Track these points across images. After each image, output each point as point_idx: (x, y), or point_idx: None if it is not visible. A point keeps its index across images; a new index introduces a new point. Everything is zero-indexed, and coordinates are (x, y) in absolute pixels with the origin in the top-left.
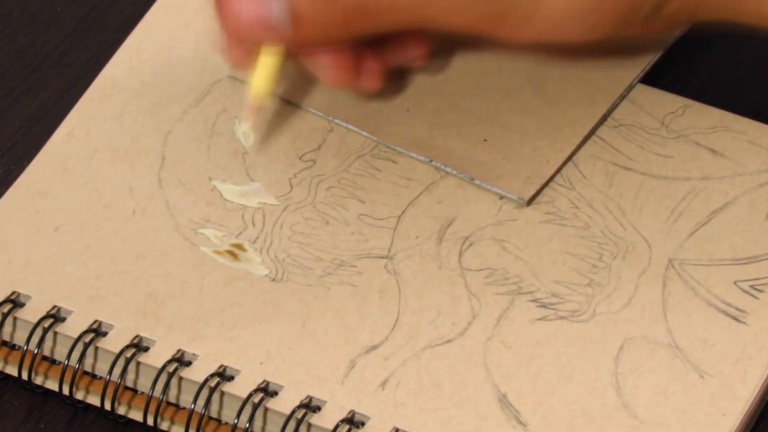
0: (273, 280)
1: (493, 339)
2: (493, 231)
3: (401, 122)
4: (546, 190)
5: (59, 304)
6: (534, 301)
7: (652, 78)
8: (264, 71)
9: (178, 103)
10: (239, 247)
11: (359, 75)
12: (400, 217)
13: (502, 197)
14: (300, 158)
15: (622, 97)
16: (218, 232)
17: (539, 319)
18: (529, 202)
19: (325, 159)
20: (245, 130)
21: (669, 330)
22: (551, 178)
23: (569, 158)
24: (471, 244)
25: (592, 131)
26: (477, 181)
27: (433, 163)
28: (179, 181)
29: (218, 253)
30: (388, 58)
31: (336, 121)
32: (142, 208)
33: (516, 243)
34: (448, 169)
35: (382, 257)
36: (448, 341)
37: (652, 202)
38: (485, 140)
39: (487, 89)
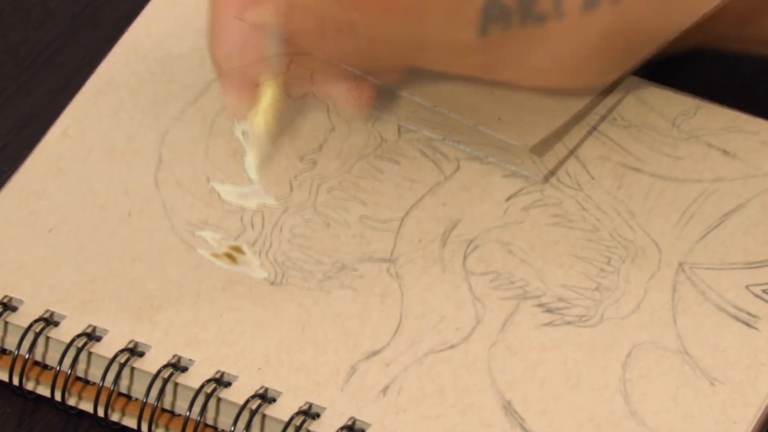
0: (272, 283)
1: (498, 344)
2: (498, 233)
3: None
4: (552, 191)
5: (52, 308)
6: (540, 305)
7: (663, 77)
8: (266, 110)
9: (175, 102)
10: (238, 249)
11: (355, 91)
12: (403, 219)
13: (509, 198)
14: (301, 159)
15: (635, 65)
16: (216, 234)
17: (545, 325)
18: (534, 151)
19: (327, 160)
20: (250, 166)
21: (679, 335)
22: (560, 132)
23: (577, 117)
24: (476, 247)
25: (603, 94)
26: (481, 128)
27: (438, 107)
28: (176, 182)
29: (216, 255)
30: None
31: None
32: (138, 210)
33: (522, 246)
34: (452, 115)
35: (385, 260)
36: (452, 347)
37: (662, 205)
38: (492, 93)
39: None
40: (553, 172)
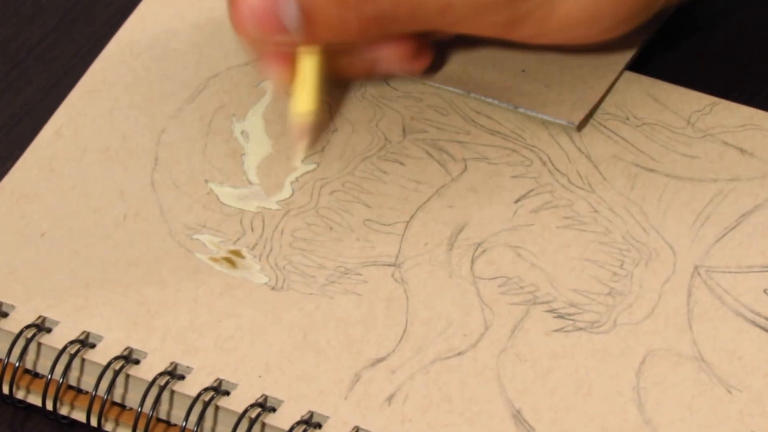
0: (273, 288)
1: (507, 351)
2: (507, 237)
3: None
4: (564, 193)
5: (45, 314)
6: (551, 311)
7: (677, 75)
8: (307, 83)
9: (172, 100)
10: (237, 253)
11: (418, 58)
12: (408, 222)
13: (518, 200)
14: (302, 160)
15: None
16: (215, 237)
17: (556, 331)
18: (579, 127)
19: (329, 161)
20: (297, 152)
21: (694, 342)
22: (598, 104)
23: (612, 85)
24: (484, 251)
25: (633, 59)
26: (521, 110)
27: (472, 95)
28: (173, 184)
29: (215, 260)
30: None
31: None
32: (133, 213)
33: (532, 249)
34: (489, 100)
35: (389, 265)
36: (459, 354)
37: (677, 206)
38: (523, 71)
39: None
40: (587, 119)
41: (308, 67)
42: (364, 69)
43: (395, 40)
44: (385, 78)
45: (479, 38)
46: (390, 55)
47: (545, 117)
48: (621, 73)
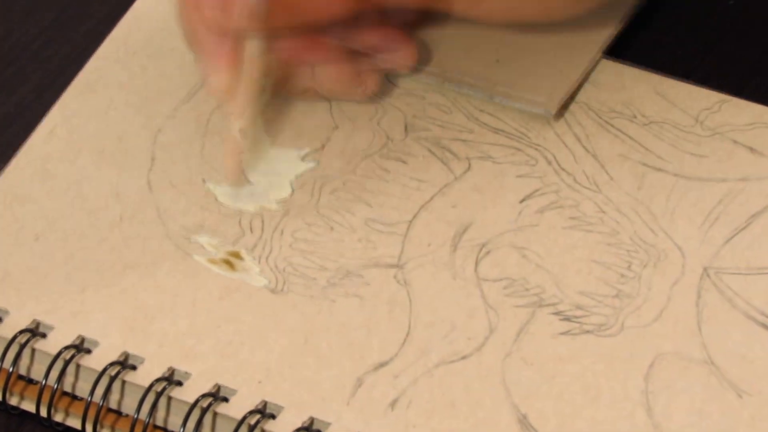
0: (272, 291)
1: (513, 355)
2: (512, 237)
3: None
4: (570, 193)
5: (39, 319)
6: (557, 313)
7: (685, 72)
8: (247, 91)
9: (169, 99)
10: (236, 255)
11: (358, 82)
12: (411, 222)
13: (523, 200)
14: (302, 159)
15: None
16: (213, 239)
17: (562, 334)
18: (557, 117)
19: (330, 159)
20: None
21: (704, 345)
22: (575, 92)
23: (590, 72)
24: (488, 252)
25: (605, 44)
26: (497, 99)
27: (446, 84)
28: (170, 184)
29: (213, 262)
30: (380, 63)
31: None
32: (130, 214)
33: (537, 250)
34: (463, 90)
35: (392, 266)
36: (464, 357)
37: (686, 206)
38: (497, 60)
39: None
40: (565, 107)
41: (252, 69)
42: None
43: (333, 60)
44: (335, 95)
45: (441, 12)
46: (328, 75)
47: (521, 106)
48: (597, 60)
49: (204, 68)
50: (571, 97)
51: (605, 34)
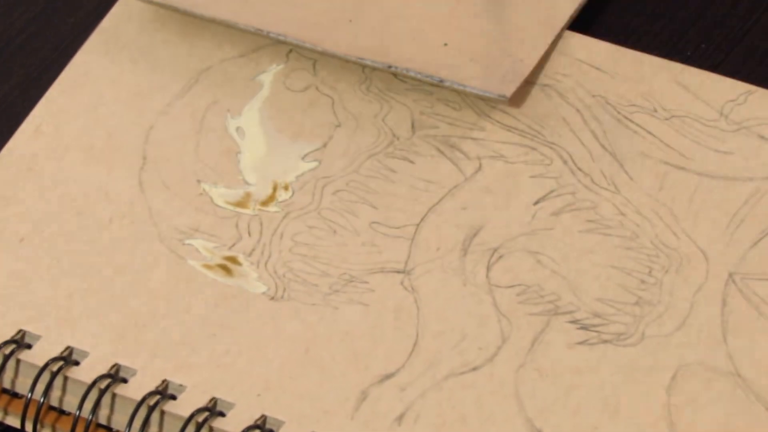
0: (272, 298)
1: (526, 366)
2: (525, 241)
3: (347, 31)
4: (587, 194)
5: (25, 328)
6: (573, 322)
7: (709, 61)
8: None
9: (161, 94)
10: (233, 260)
11: None
12: (418, 225)
13: (537, 202)
14: (303, 158)
15: None
16: (208, 243)
17: (579, 343)
18: (512, 102)
19: (332, 159)
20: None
21: (730, 355)
22: (531, 77)
23: (545, 58)
24: (500, 257)
25: (564, 28)
26: (447, 83)
27: (393, 68)
28: (163, 184)
29: (208, 267)
30: None
31: (273, 34)
32: (120, 216)
33: (552, 255)
34: (412, 74)
35: (398, 272)
36: (475, 369)
37: (710, 207)
38: (445, 44)
39: None
40: (518, 93)
41: None
42: None
43: None
44: None
45: None
46: None
47: (473, 90)
48: (558, 36)
49: None
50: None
51: (562, 18)
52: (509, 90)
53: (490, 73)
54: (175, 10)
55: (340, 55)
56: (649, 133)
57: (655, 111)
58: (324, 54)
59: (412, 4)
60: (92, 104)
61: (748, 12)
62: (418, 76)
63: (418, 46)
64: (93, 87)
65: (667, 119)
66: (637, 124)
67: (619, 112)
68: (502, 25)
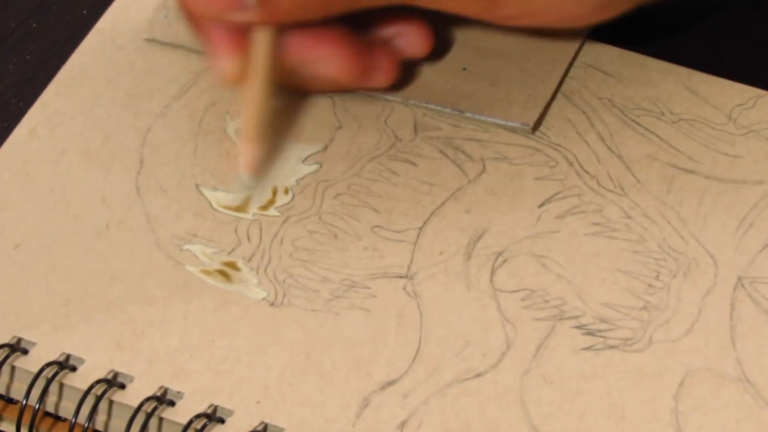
0: (272, 304)
1: (532, 372)
2: (530, 245)
3: None
4: (593, 196)
5: (20, 335)
6: (579, 327)
7: (717, 66)
8: (259, 77)
9: (159, 96)
10: (232, 265)
11: (371, 70)
12: (421, 229)
13: (542, 205)
14: (303, 161)
15: None
16: (207, 248)
17: (585, 349)
18: (534, 129)
19: (333, 161)
20: (243, 177)
21: (739, 361)
22: (552, 100)
23: (564, 76)
24: (505, 261)
25: (582, 44)
26: (468, 114)
27: (411, 102)
28: (161, 189)
29: (207, 273)
30: (396, 51)
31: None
32: (117, 221)
33: (558, 259)
34: (430, 106)
35: (401, 277)
36: (479, 375)
37: (719, 211)
38: (464, 69)
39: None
40: (540, 121)
41: (262, 56)
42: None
43: (339, 42)
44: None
45: (453, 16)
46: (332, 57)
47: (495, 120)
48: (572, 63)
49: (210, 52)
50: (548, 104)
51: (580, 36)
52: (532, 117)
53: (512, 98)
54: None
55: (353, 90)
56: (657, 136)
57: (663, 114)
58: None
59: None
60: (89, 106)
61: (758, 14)
62: (437, 109)
63: (436, 73)
64: (89, 88)
65: (674, 122)
66: (645, 127)
67: (625, 115)
68: (520, 43)
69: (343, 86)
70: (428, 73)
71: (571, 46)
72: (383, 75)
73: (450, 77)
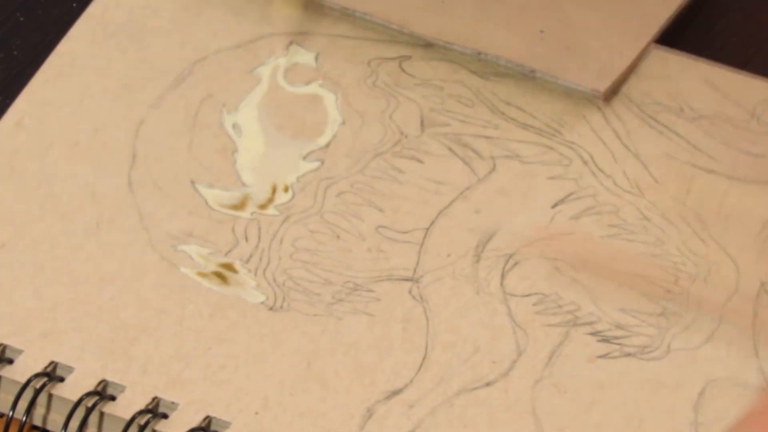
0: (271, 308)
1: (544, 381)
2: (543, 247)
3: (438, 13)
4: (609, 197)
5: (5, 342)
6: (594, 334)
7: (740, 61)
8: None
9: (152, 87)
10: (229, 267)
11: None
12: (428, 229)
13: (555, 205)
14: (304, 158)
15: None
16: (203, 249)
17: (601, 357)
18: (605, 98)
19: (335, 158)
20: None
21: (761, 370)
22: (628, 72)
23: (642, 56)
24: (516, 264)
25: (665, 26)
26: (539, 74)
27: (482, 55)
28: (154, 185)
29: (203, 275)
30: None
31: (359, 13)
32: (108, 219)
33: (572, 262)
34: (502, 62)
35: (406, 280)
36: (488, 384)
37: (741, 213)
38: (542, 31)
39: None
40: (615, 90)
41: None
42: None
43: None
44: None
45: None
46: None
47: (565, 83)
48: (650, 43)
49: None
50: (622, 78)
51: (663, 16)
52: (603, 85)
53: (586, 65)
54: None
55: (428, 39)
56: (676, 133)
57: (682, 111)
58: (412, 36)
59: None
60: (78, 96)
61: None
62: (509, 65)
63: (512, 32)
64: (79, 78)
65: (694, 119)
66: (663, 124)
67: (643, 111)
68: (603, 14)
69: None
70: (505, 31)
71: (654, 24)
72: None
73: (526, 37)
